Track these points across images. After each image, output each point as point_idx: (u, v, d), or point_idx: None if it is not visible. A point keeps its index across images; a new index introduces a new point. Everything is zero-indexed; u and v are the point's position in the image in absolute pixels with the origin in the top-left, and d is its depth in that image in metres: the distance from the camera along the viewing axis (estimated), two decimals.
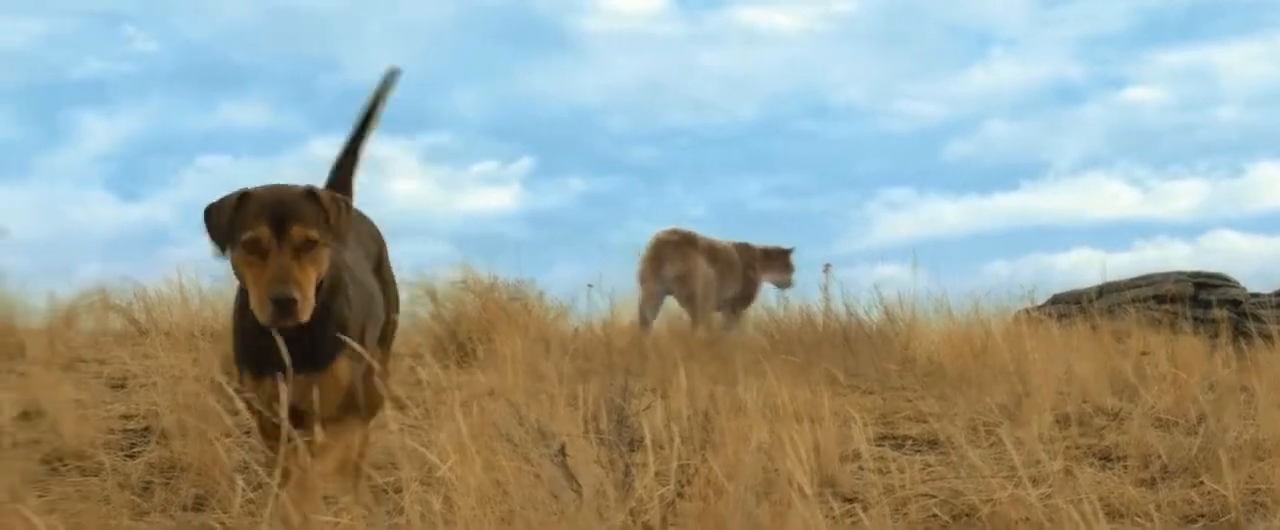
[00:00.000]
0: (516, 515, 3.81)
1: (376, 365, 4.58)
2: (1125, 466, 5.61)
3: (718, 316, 12.24)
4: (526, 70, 19.44)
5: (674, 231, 12.03)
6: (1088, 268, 17.37)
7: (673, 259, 11.76)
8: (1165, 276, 13.29)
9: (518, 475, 3.95)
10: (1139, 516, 4.76)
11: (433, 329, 9.27)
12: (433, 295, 9.45)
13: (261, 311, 4.02)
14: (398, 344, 8.53)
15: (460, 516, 3.81)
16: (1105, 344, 9.31)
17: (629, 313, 11.60)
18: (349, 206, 4.36)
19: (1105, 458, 5.90)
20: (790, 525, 3.77)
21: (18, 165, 17.87)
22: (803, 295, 12.46)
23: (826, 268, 12.26)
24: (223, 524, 4.58)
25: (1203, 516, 4.93)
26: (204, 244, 4.24)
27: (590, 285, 10.62)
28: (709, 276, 11.84)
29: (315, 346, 4.20)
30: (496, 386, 6.76)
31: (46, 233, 16.22)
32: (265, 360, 4.14)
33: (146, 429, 5.95)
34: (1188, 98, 20.06)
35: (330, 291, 4.21)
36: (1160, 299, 12.86)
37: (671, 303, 11.99)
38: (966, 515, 4.76)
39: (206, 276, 9.23)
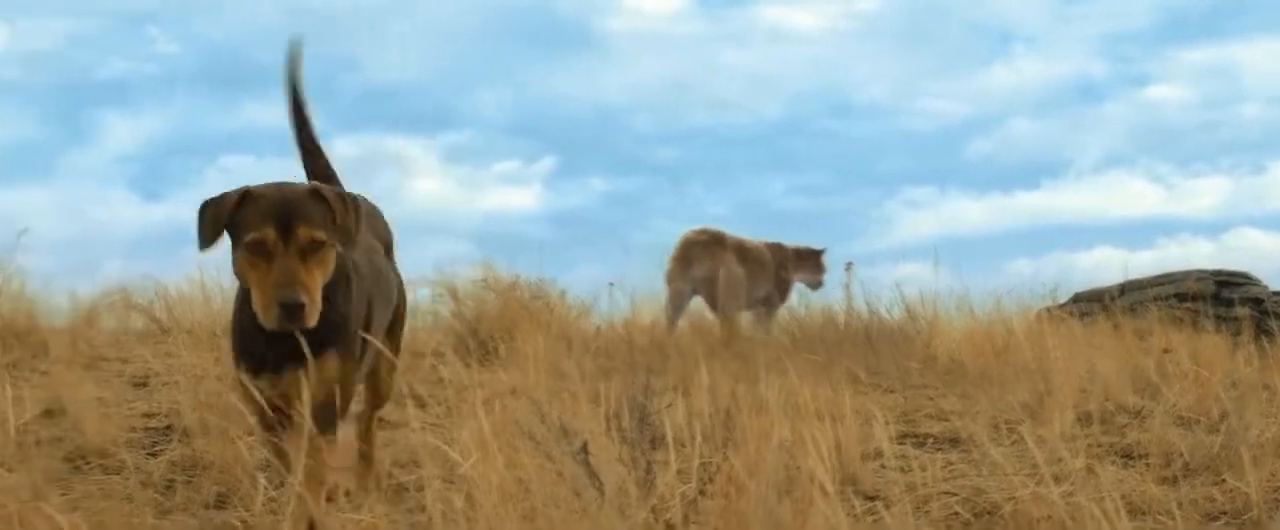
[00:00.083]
0: (538, 513, 3.81)
1: (388, 354, 4.60)
2: (1147, 464, 5.60)
3: (747, 316, 12.23)
4: (548, 69, 19.44)
5: (703, 231, 12.02)
6: (1110, 266, 17.36)
7: (701, 259, 11.74)
8: (1187, 274, 13.25)
9: (540, 473, 3.94)
10: (1161, 514, 4.74)
11: (454, 327, 9.28)
12: (454, 294, 9.47)
13: (266, 315, 3.95)
14: (421, 342, 8.57)
15: (482, 514, 3.81)
16: (1127, 342, 9.28)
17: (650, 311, 11.60)
18: (356, 204, 4.23)
19: (1127, 455, 5.89)
20: (812, 523, 3.76)
21: (42, 165, 17.93)
22: (824, 294, 12.51)
23: (848, 266, 12.26)
24: (245, 522, 4.59)
25: (1225, 514, 4.92)
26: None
27: (612, 284, 10.64)
28: (738, 276, 11.81)
29: (308, 341, 4.08)
30: (518, 384, 6.76)
31: (70, 232, 16.27)
32: (263, 357, 4.13)
33: (169, 427, 5.96)
34: (1210, 95, 20.00)
35: (328, 286, 4.11)
36: (1182, 297, 12.82)
37: (698, 302, 11.98)
38: (988, 513, 4.75)
39: (228, 275, 9.25)
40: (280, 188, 4.10)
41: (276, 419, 4.22)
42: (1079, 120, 20.31)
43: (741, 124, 19.81)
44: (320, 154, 4.99)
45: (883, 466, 5.35)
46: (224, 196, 4.08)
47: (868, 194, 19.11)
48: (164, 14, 18.64)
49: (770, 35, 19.84)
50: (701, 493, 3.93)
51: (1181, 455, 5.62)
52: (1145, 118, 19.68)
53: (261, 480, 4.71)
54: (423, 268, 9.97)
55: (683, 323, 11.75)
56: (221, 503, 4.85)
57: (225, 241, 4.09)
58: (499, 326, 8.98)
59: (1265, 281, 13.31)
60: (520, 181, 18.12)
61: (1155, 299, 12.60)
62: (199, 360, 6.80)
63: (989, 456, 5.21)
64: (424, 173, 17.99)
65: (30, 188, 17.13)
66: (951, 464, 5.60)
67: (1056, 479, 4.59)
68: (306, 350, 4.01)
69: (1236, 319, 11.44)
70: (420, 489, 4.49)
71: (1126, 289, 13.23)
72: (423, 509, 4.30)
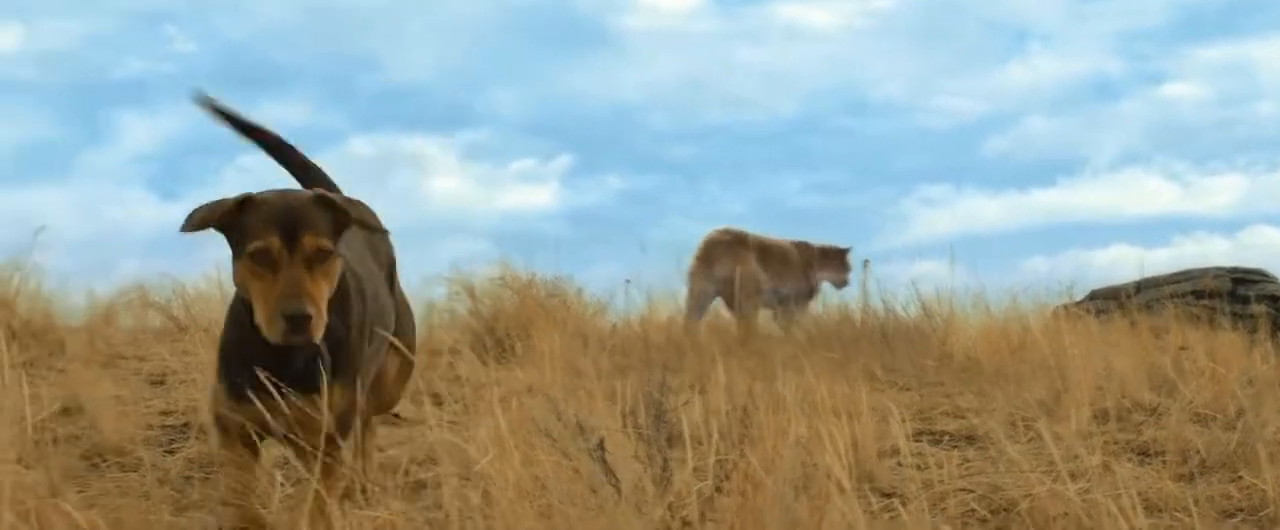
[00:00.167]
0: (555, 510, 3.81)
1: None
2: (1164, 461, 5.59)
3: (766, 315, 12.23)
4: (565, 68, 19.46)
5: (726, 231, 12.04)
6: (1126, 264, 17.39)
7: (723, 259, 11.77)
8: (1203, 272, 13.24)
9: (556, 470, 3.94)
10: (1177, 511, 4.74)
11: (471, 325, 9.30)
12: (471, 292, 9.49)
13: (271, 328, 3.73)
14: (438, 340, 8.59)
15: (499, 511, 3.81)
16: (1143, 339, 9.28)
17: (666, 309, 11.61)
18: (364, 205, 4.09)
19: (1143, 453, 5.88)
20: (829, 520, 3.77)
21: (59, 165, 17.99)
22: (842, 292, 12.53)
23: (865, 264, 12.30)
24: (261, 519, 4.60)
25: (1241, 511, 4.92)
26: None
27: (628, 281, 10.65)
28: (756, 276, 11.83)
29: (308, 366, 3.93)
30: (535, 382, 6.78)
31: (87, 232, 16.30)
32: (253, 378, 3.88)
33: (186, 425, 5.97)
34: (1226, 93, 19.99)
35: (333, 306, 3.90)
36: (1198, 294, 12.81)
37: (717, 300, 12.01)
38: (1005, 510, 4.75)
39: None
40: (283, 194, 3.95)
41: (254, 443, 4.09)
42: (1095, 118, 20.32)
43: (758, 122, 19.83)
44: (313, 170, 4.88)
45: (899, 464, 5.35)
46: (221, 200, 3.89)
47: (884, 192, 19.13)
48: (181, 13, 18.71)
49: (786, 33, 19.86)
50: (718, 490, 3.92)
51: (1198, 452, 5.62)
52: (1161, 115, 19.67)
53: (278, 477, 4.72)
54: (440, 266, 10.01)
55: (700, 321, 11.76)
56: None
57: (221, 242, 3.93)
58: (516, 324, 8.99)
59: None
60: (537, 180, 18.15)
61: (1172, 296, 12.59)
62: (216, 358, 6.80)
63: (1005, 454, 5.21)
64: (442, 171, 18.02)
65: (48, 187, 17.20)
66: (968, 461, 5.60)
67: (1073, 476, 4.59)
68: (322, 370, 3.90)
69: (1253, 316, 11.43)
70: (437, 486, 4.49)
71: (1143, 286, 13.21)
72: (439, 506, 4.30)
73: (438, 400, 5.88)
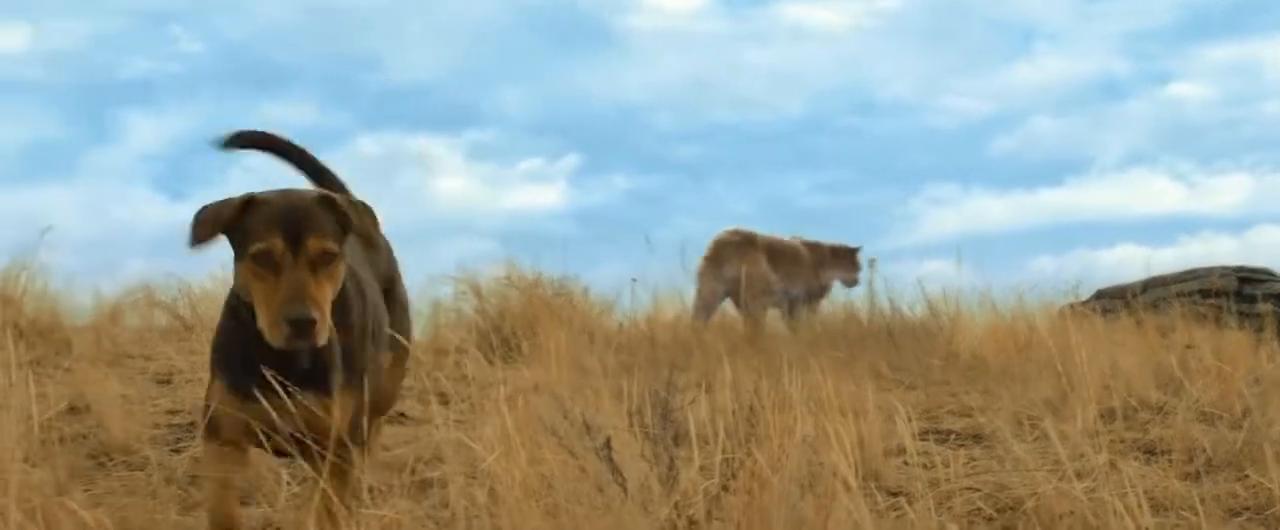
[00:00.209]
0: (561, 509, 3.81)
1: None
2: (1170, 460, 5.59)
3: (774, 315, 12.26)
4: (571, 67, 19.46)
5: (735, 232, 12.07)
6: (1132, 263, 17.37)
7: (732, 260, 11.79)
8: (1210, 271, 13.23)
9: (563, 469, 3.94)
10: (1184, 510, 4.74)
11: (478, 324, 9.30)
12: (477, 291, 9.49)
13: (273, 332, 3.66)
14: (444, 339, 8.59)
15: (505, 510, 3.81)
16: (1150, 338, 9.27)
17: (672, 308, 11.62)
18: (371, 211, 4.01)
19: (1150, 451, 5.88)
20: (835, 519, 3.77)
21: (65, 164, 18.02)
22: (846, 290, 12.56)
23: (871, 263, 12.31)
24: (268, 518, 4.61)
25: (1248, 510, 4.92)
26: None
27: (634, 280, 10.66)
28: (764, 277, 11.85)
29: (316, 368, 3.87)
30: (541, 381, 6.78)
31: (93, 232, 16.32)
32: (255, 377, 3.80)
33: (192, 424, 5.98)
34: (1233, 92, 19.96)
35: (336, 308, 3.82)
36: (1205, 293, 12.79)
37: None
38: (1011, 509, 4.75)
39: None
40: (287, 194, 3.87)
41: (246, 449, 4.03)
42: (1101, 118, 20.30)
43: (764, 121, 19.82)
44: (330, 177, 4.83)
45: (906, 462, 5.35)
46: (226, 202, 3.82)
47: (891, 191, 19.13)
48: (187, 13, 18.72)
49: (793, 33, 19.85)
50: (725, 488, 3.92)
51: (1204, 451, 5.62)
52: (1168, 115, 19.65)
53: (284, 476, 4.73)
54: (446, 266, 10.02)
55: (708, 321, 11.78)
56: (245, 499, 4.86)
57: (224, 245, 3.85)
58: (522, 323, 9.00)
59: None
60: (544, 179, 18.16)
61: (1178, 295, 12.56)
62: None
63: (1012, 452, 5.21)
64: (448, 171, 18.03)
65: (54, 187, 17.22)
66: (974, 460, 5.60)
67: (1079, 475, 4.59)
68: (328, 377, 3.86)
69: (1259, 315, 11.42)
70: (443, 485, 4.50)
71: (1149, 285, 13.20)
72: (446, 505, 4.31)
73: (444, 399, 5.89)
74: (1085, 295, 12.96)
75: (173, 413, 6.30)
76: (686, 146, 19.42)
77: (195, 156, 17.56)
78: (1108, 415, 6.46)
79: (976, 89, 20.47)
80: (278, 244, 3.68)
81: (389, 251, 4.86)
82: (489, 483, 3.98)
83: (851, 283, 12.68)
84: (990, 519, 4.71)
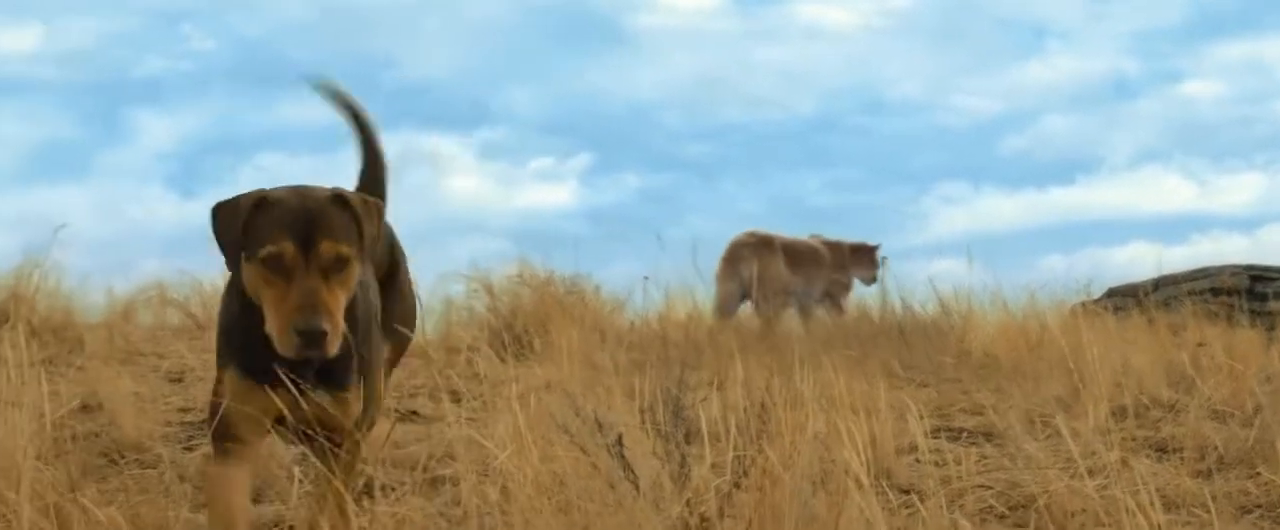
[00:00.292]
0: (573, 506, 3.81)
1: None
2: (1181, 458, 5.59)
3: (792, 314, 12.28)
4: (583, 66, 19.48)
5: (752, 234, 12.13)
6: (1143, 262, 17.35)
7: (749, 261, 11.83)
8: (1221, 269, 13.22)
9: (575, 466, 3.93)
10: (1195, 507, 4.74)
11: (489, 322, 9.31)
12: (489, 289, 9.51)
13: (283, 342, 3.48)
14: (456, 337, 8.60)
15: (517, 507, 3.81)
16: (1161, 336, 9.27)
17: (684, 306, 11.63)
18: (381, 211, 3.90)
19: (1161, 449, 5.88)
20: (847, 516, 3.77)
21: (78, 163, 18.11)
22: (858, 289, 12.58)
23: (883, 261, 12.33)
24: (280, 515, 4.61)
25: (1259, 507, 4.92)
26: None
27: (646, 278, 10.66)
28: (780, 277, 11.88)
29: (331, 363, 3.66)
30: (553, 378, 6.78)
31: (106, 230, 16.38)
32: (267, 367, 3.63)
33: (204, 422, 5.98)
34: (1244, 91, 19.95)
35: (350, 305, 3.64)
36: (1216, 292, 12.78)
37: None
38: (1023, 506, 4.75)
39: None
40: (299, 193, 3.64)
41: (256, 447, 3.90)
42: (1112, 116, 20.28)
43: (775, 120, 19.83)
44: (380, 161, 4.65)
45: (917, 460, 5.36)
46: (237, 202, 3.62)
47: (902, 190, 19.15)
48: (199, 12, 18.76)
49: (804, 32, 19.86)
50: (736, 486, 3.93)
51: (1216, 449, 5.62)
52: (1179, 114, 19.64)
53: (297, 473, 4.73)
54: (458, 264, 10.03)
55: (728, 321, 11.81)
56: (257, 496, 4.86)
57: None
58: (534, 321, 9.01)
59: None
60: (556, 178, 18.18)
61: (1189, 294, 12.56)
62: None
63: (1023, 450, 5.22)
64: (460, 170, 18.04)
65: (67, 186, 17.28)
66: (986, 457, 5.59)
67: (1091, 472, 4.59)
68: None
69: (1271, 313, 11.43)
70: (456, 482, 4.50)
71: (1161, 284, 13.20)
72: (458, 502, 4.31)
73: (456, 397, 5.89)
74: (1097, 293, 12.97)
75: (185, 410, 6.30)
76: (697, 145, 19.44)
77: (208, 155, 17.61)
78: (1119, 413, 6.46)
79: (987, 88, 20.48)
80: (289, 248, 3.50)
81: (390, 237, 4.60)
82: (501, 480, 3.98)
83: (870, 280, 12.72)
84: (1002, 516, 4.71)
